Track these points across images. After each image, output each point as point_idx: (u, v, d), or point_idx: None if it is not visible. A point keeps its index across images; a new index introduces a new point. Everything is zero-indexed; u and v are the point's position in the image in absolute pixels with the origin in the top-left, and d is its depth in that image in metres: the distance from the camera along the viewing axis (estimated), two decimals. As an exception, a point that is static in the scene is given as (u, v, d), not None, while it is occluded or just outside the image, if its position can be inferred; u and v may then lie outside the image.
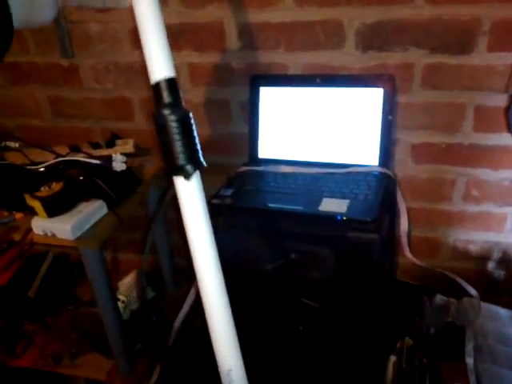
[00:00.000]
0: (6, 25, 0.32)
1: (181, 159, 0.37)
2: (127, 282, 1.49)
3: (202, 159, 0.39)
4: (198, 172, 0.38)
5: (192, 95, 1.26)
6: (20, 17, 0.36)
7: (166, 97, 0.37)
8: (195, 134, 0.38)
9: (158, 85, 0.37)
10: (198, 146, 0.39)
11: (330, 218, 0.91)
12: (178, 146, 0.37)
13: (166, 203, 1.34)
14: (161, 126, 0.37)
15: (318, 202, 0.95)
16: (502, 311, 1.07)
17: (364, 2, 1.04)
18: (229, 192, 1.03)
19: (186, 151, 0.37)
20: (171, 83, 0.37)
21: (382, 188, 1.00)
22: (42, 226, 1.02)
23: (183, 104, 0.38)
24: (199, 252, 0.40)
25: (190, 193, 0.38)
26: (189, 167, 0.37)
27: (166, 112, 0.37)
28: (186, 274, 1.60)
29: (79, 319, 1.41)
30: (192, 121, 0.38)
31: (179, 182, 0.38)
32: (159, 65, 0.37)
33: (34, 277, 1.47)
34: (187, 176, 0.37)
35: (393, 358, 1.11)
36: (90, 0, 0.98)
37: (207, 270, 0.40)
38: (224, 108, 1.26)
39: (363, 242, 0.88)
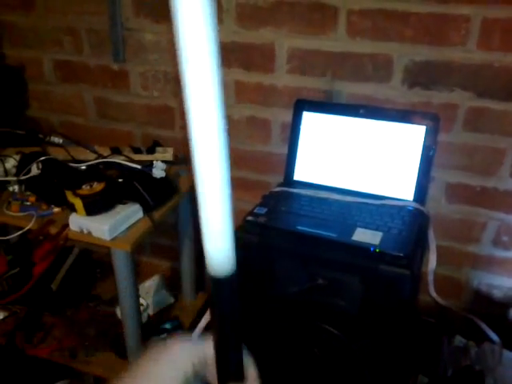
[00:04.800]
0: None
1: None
2: (147, 286, 1.51)
3: None
4: None
5: (234, 111, 1.29)
6: None
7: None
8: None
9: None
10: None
11: (362, 248, 0.92)
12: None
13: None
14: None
15: (352, 231, 0.96)
16: (523, 361, 1.06)
17: (416, 41, 1.06)
18: (263, 211, 1.05)
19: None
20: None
21: (416, 224, 1.00)
22: (79, 222, 1.05)
23: None
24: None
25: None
26: None
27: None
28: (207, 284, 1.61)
29: (98, 317, 1.43)
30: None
31: None
32: None
33: (58, 270, 1.50)
34: None
35: (403, 394, 1.11)
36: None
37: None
38: (264, 127, 1.28)
39: (394, 276, 0.88)
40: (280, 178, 1.24)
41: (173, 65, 1.29)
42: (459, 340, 1.17)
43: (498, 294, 1.28)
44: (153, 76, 1.33)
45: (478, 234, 1.22)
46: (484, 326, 1.14)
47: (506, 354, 1.06)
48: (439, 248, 1.23)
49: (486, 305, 1.30)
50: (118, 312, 1.38)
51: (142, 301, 1.46)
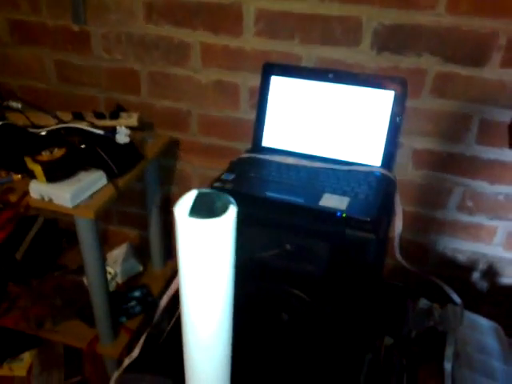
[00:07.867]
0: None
1: None
2: (115, 255, 1.50)
3: None
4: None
5: (202, 75, 1.25)
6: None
7: None
8: None
9: None
10: None
11: (329, 213, 0.91)
12: None
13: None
14: None
15: (319, 197, 0.96)
16: (483, 321, 1.09)
17: (386, 4, 1.04)
18: (230, 177, 1.03)
19: None
20: None
21: (382, 189, 1.01)
22: (39, 190, 1.02)
23: None
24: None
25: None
26: None
27: None
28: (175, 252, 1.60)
29: (64, 286, 1.41)
30: None
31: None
32: None
33: (23, 239, 1.46)
34: None
35: (369, 356, 1.14)
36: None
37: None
38: (233, 92, 1.25)
39: (360, 240, 0.89)
40: (249, 145, 1.22)
41: (136, 26, 1.24)
42: (424, 303, 1.20)
43: (461, 258, 1.32)
44: (115, 38, 1.27)
45: (444, 199, 1.24)
46: (447, 289, 1.17)
47: (467, 314, 1.09)
48: (406, 213, 1.25)
49: (451, 268, 1.33)
50: (86, 281, 1.36)
51: (110, 269, 1.44)
